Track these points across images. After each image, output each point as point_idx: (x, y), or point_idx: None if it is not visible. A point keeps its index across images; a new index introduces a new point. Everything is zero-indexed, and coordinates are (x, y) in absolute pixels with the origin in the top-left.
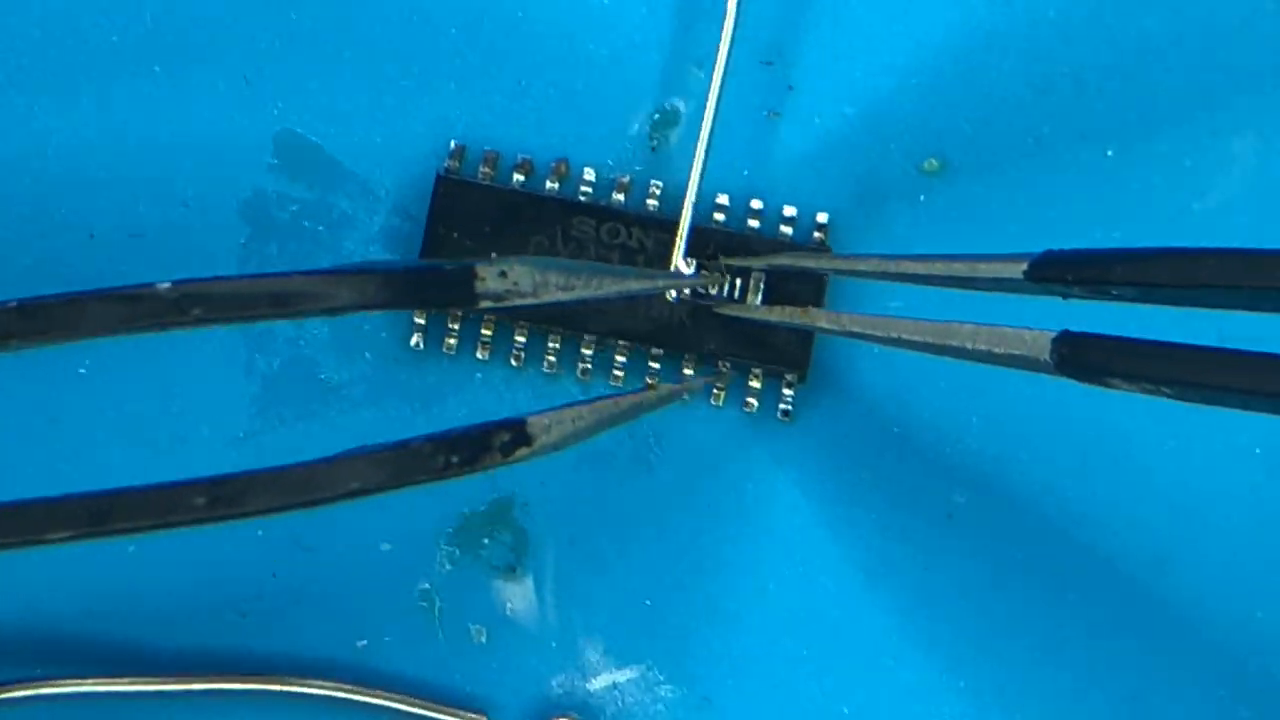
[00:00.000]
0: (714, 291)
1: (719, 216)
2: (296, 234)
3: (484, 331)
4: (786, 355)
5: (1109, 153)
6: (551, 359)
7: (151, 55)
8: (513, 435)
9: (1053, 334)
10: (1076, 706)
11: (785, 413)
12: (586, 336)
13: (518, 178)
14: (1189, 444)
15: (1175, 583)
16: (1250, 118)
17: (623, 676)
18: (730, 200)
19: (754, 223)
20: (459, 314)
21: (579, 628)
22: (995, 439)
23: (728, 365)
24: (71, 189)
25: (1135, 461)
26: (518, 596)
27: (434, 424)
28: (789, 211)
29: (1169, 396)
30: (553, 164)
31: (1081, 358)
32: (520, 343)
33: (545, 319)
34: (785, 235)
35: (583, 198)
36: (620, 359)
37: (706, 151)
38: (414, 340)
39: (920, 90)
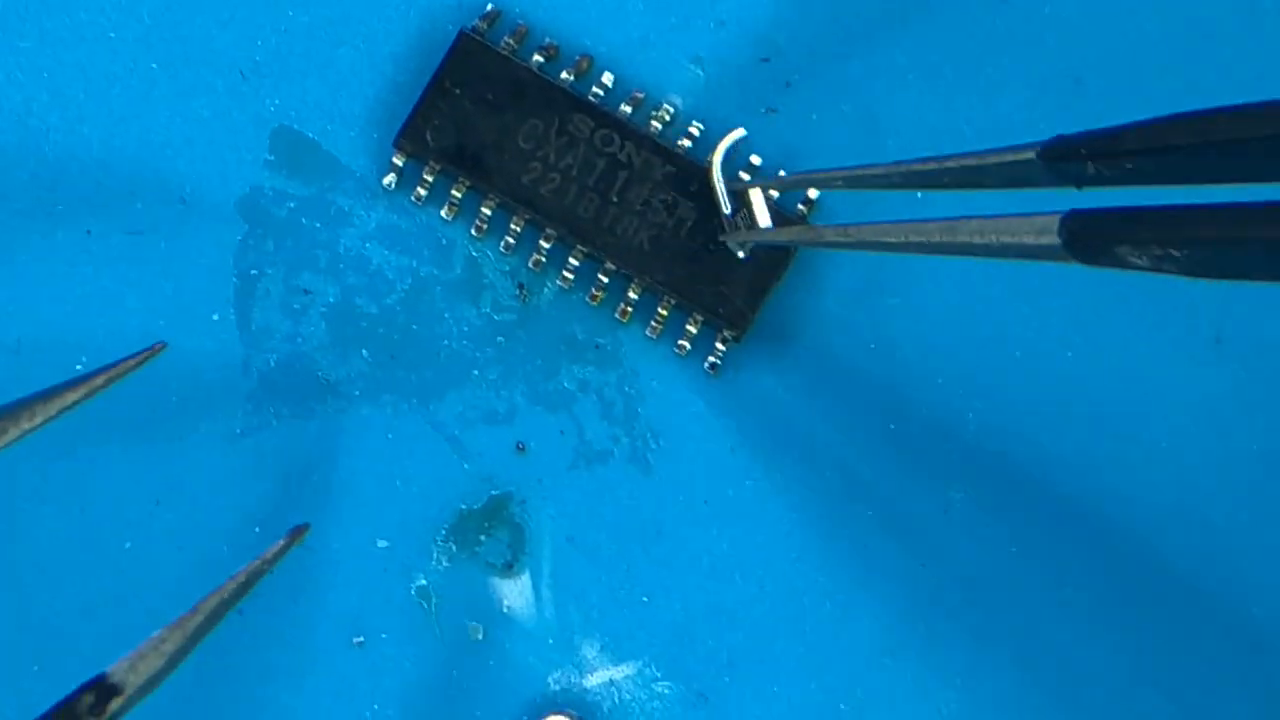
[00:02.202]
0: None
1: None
2: (294, 230)
3: (454, 193)
4: (731, 313)
5: None
6: (509, 240)
7: (148, 53)
8: (97, 694)
9: (1061, 213)
10: (1074, 703)
11: (713, 366)
12: (549, 230)
13: (537, 59)
14: (1187, 442)
15: (1173, 580)
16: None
17: (619, 673)
18: (734, 148)
19: (745, 175)
20: (435, 169)
21: (576, 625)
22: (993, 435)
23: (668, 302)
24: (69, 186)
25: (1131, 458)
26: (515, 594)
27: (430, 420)
28: (783, 173)
29: (1177, 268)
30: (577, 58)
31: (1090, 232)
32: (485, 214)
33: (515, 201)
34: (770, 197)
35: (592, 98)
36: (574, 261)
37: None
38: (387, 180)
39: (918, 88)
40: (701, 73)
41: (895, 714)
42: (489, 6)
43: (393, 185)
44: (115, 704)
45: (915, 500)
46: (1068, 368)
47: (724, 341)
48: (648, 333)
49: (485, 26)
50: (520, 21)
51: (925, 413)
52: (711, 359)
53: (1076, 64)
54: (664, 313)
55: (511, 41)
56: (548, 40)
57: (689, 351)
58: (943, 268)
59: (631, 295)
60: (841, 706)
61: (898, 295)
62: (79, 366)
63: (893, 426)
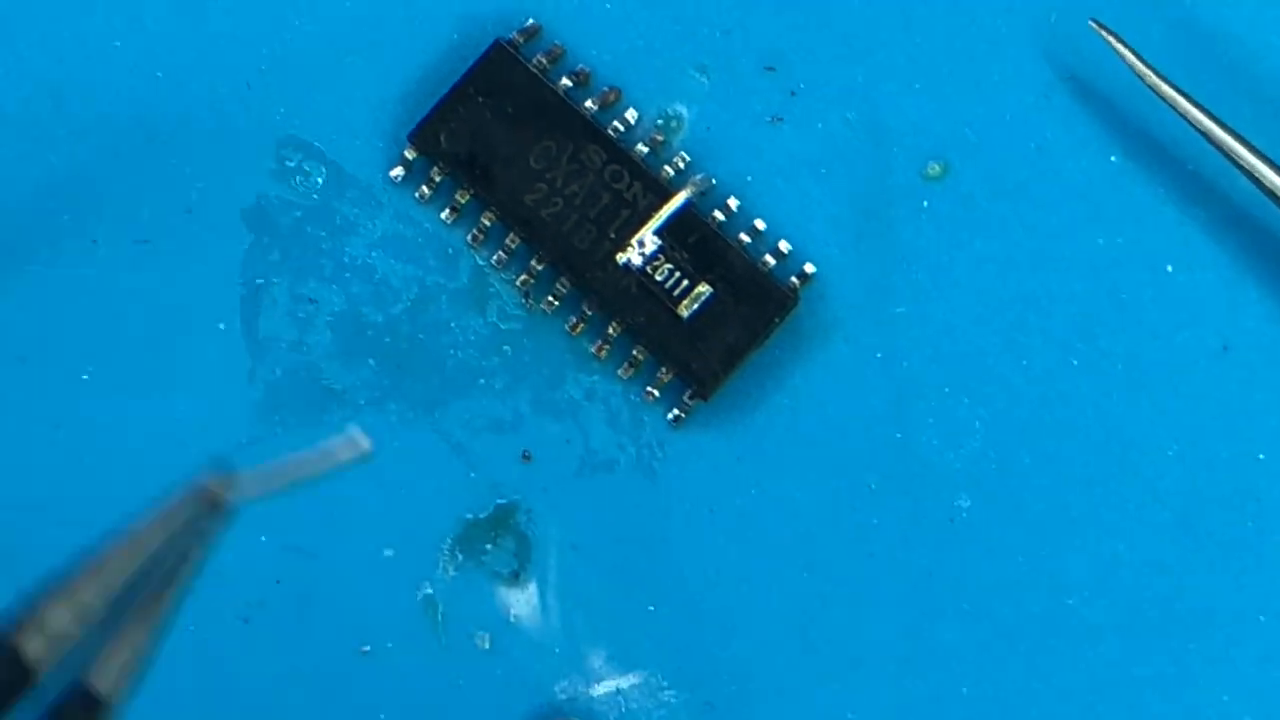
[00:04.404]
0: (659, 279)
1: (718, 215)
2: (300, 239)
3: (457, 198)
4: (703, 371)
5: (1112, 158)
6: (502, 255)
7: (154, 62)
8: (84, 708)
9: None
10: (1078, 710)
11: (676, 418)
12: (541, 253)
13: (566, 83)
14: (1192, 450)
15: (1178, 587)
16: (1254, 124)
17: (626, 682)
18: (737, 206)
19: (745, 237)
20: (443, 171)
21: (582, 634)
22: (999, 444)
23: (644, 348)
24: (75, 195)
25: (1138, 466)
26: (521, 603)
27: (436, 429)
28: (784, 246)
29: None
30: (605, 89)
31: None
32: (484, 224)
33: (514, 219)
34: (766, 264)
35: (611, 132)
36: (560, 288)
37: None
38: (395, 172)
39: (922, 95)
40: (706, 81)
41: None
42: (529, 21)
43: (399, 179)
44: (101, 716)
45: (922, 508)
46: (1074, 376)
47: (691, 398)
48: (620, 373)
49: (522, 40)
50: (557, 42)
51: (932, 421)
52: (676, 411)
53: (1079, 69)
54: (639, 357)
55: (544, 60)
56: (580, 66)
57: (656, 399)
58: (948, 277)
59: (610, 333)
60: (849, 715)
61: (904, 304)
62: (85, 377)
63: (899, 435)
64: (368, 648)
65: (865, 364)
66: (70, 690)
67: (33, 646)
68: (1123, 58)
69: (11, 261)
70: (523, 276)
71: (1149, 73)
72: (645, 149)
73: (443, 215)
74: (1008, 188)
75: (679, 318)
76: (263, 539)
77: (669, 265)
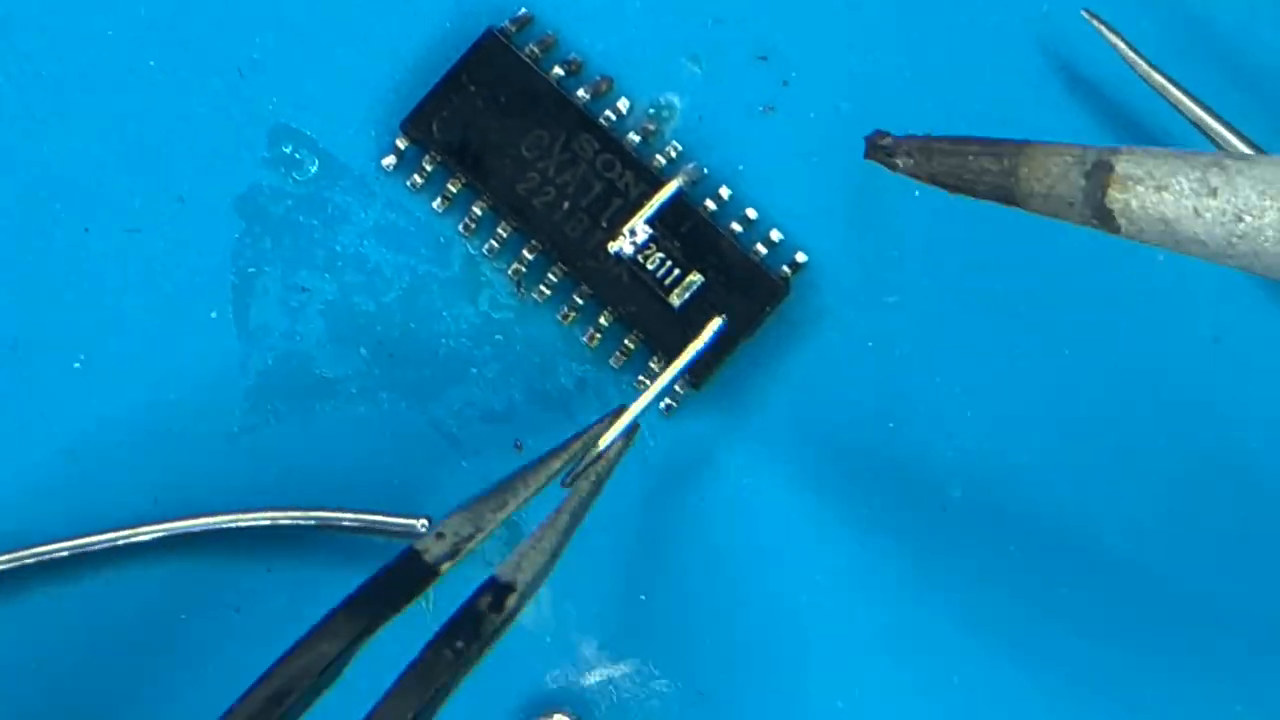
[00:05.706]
0: (650, 267)
1: (710, 204)
2: (292, 228)
3: (449, 187)
4: (696, 359)
5: None
6: (494, 244)
7: (146, 50)
8: (494, 594)
9: None
10: (1071, 703)
11: (668, 408)
12: (533, 242)
13: (558, 72)
14: (1185, 442)
15: (1172, 580)
16: (1247, 115)
17: (617, 671)
18: (729, 196)
19: (736, 226)
20: (435, 159)
21: (574, 623)
22: (991, 434)
23: (637, 336)
24: (67, 184)
25: (1129, 457)
26: None
27: (428, 417)
28: (775, 235)
29: None
30: (598, 78)
31: None
32: (476, 213)
33: (506, 208)
34: (758, 253)
35: (603, 121)
36: (552, 278)
37: None
38: (387, 161)
39: (915, 85)
40: (699, 70)
41: (893, 712)
42: (522, 10)
43: (391, 167)
44: (512, 601)
45: (913, 498)
46: (1066, 366)
47: (683, 387)
48: (611, 362)
49: (514, 29)
50: (549, 31)
51: (923, 411)
52: (668, 401)
53: (1073, 60)
54: (631, 346)
55: (536, 49)
56: (573, 55)
57: (648, 388)
58: (940, 267)
59: (602, 322)
60: (839, 704)
61: (896, 293)
62: (76, 365)
63: (891, 424)
64: None
65: (857, 353)
66: (486, 581)
67: (434, 551)
68: (1116, 48)
69: (2, 249)
70: (514, 265)
71: (1142, 63)
72: (637, 138)
73: (435, 204)
74: None
75: (670, 306)
76: (255, 527)
77: (660, 254)
